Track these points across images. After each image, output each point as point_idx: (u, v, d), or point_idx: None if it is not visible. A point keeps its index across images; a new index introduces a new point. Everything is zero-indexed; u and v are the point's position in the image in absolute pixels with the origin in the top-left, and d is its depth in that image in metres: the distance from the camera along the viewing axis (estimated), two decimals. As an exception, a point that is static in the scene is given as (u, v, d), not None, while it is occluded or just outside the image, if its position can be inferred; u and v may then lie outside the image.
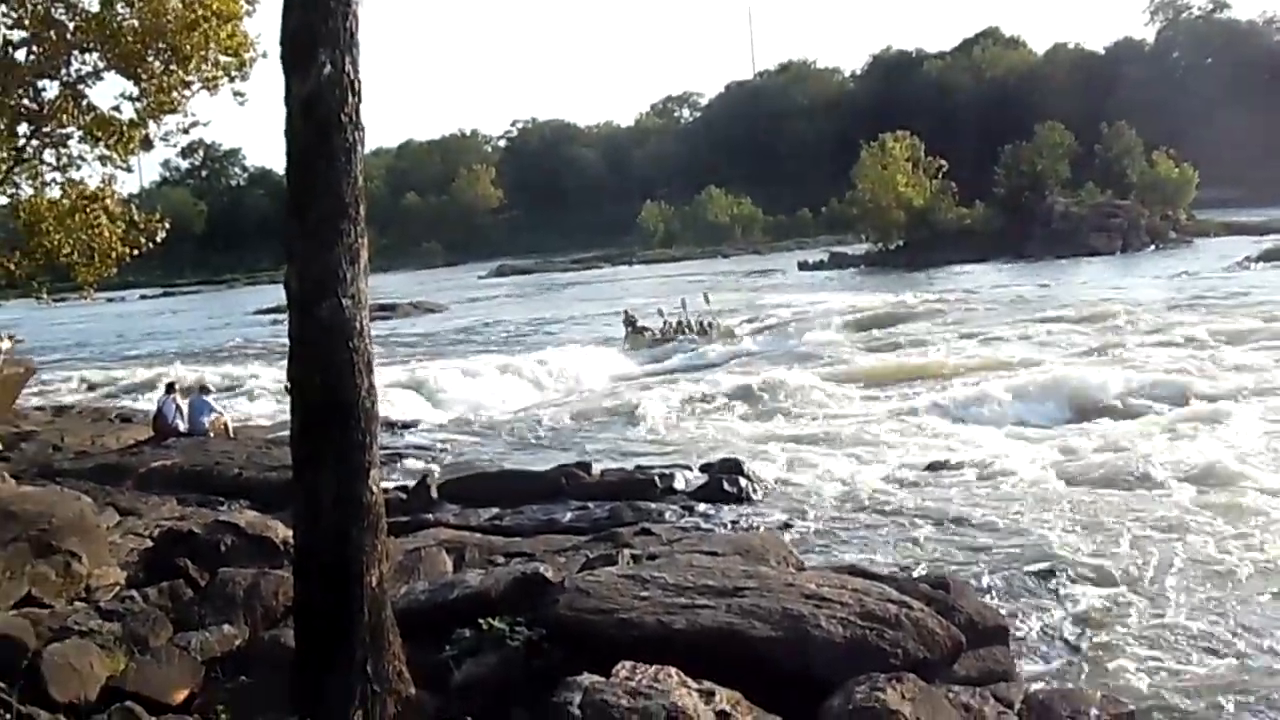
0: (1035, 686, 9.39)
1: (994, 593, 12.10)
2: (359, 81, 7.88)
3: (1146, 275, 56.93)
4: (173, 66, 21.56)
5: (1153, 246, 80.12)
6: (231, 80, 22.22)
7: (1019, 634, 10.77)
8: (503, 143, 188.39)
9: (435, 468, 20.99)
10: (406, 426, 25.97)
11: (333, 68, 7.71)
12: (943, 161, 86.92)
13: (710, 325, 42.61)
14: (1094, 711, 8.63)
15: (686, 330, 42.42)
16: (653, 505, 16.47)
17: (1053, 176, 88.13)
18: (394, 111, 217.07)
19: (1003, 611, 10.94)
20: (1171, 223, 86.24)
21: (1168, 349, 30.00)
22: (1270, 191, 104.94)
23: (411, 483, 18.35)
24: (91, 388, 40.34)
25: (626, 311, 45.92)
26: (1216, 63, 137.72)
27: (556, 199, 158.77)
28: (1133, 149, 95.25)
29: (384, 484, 8.63)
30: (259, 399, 33.02)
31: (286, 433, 8.48)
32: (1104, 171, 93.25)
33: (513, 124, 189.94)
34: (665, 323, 43.29)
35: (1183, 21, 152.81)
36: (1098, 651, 10.60)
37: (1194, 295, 44.28)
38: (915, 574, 12.17)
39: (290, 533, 9.88)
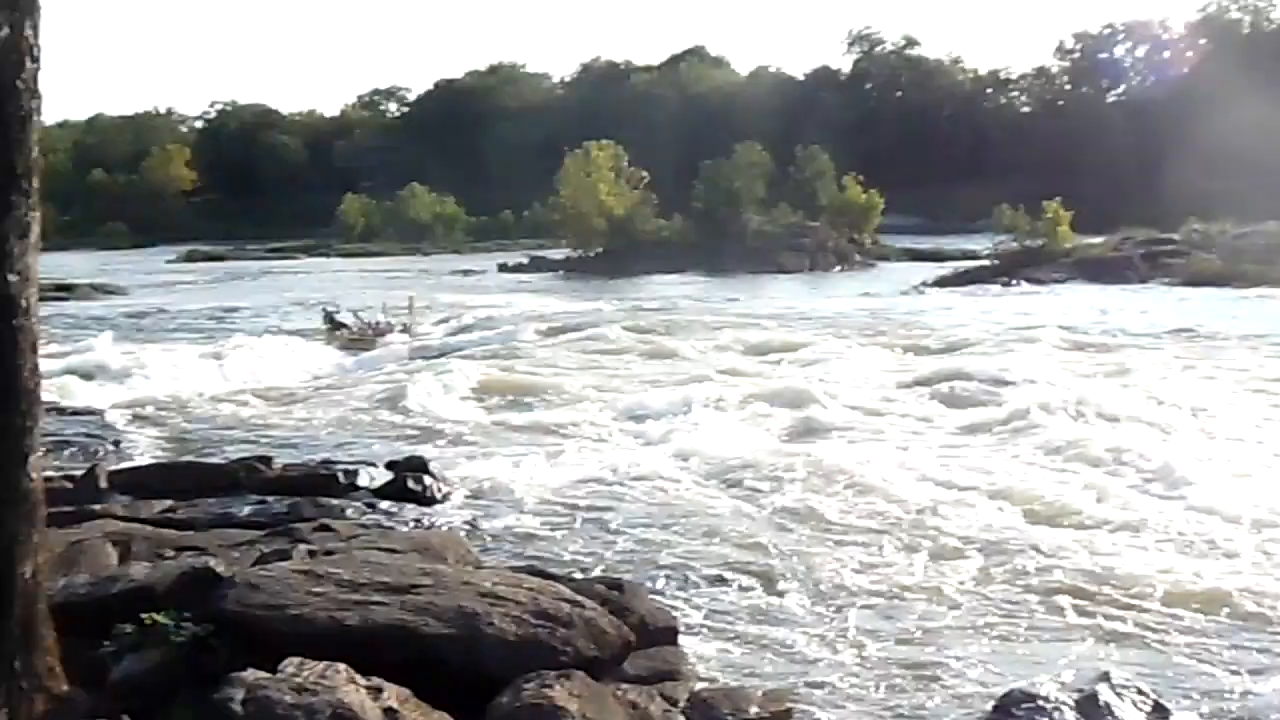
0: (700, 685, 9.70)
1: (668, 594, 12.44)
2: (39, 47, 7.52)
3: (834, 295, 59.50)
4: None
5: (839, 267, 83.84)
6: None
7: (689, 634, 11.11)
8: (200, 124, 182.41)
9: (106, 456, 20.09)
10: (77, 412, 24.73)
11: (10, 30, 7.33)
12: (645, 173, 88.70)
13: (407, 325, 42.93)
14: (754, 709, 9.02)
15: (383, 328, 42.43)
16: (335, 502, 16.12)
17: (749, 195, 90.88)
18: (83, 83, 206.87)
19: (675, 612, 11.26)
20: (857, 246, 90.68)
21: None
22: (946, 221, 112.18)
23: (79, 471, 17.49)
24: None
25: (325, 308, 45.46)
26: (906, 96, 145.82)
27: (254, 185, 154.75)
28: (824, 173, 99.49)
29: (47, 472, 8.25)
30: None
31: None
32: (797, 193, 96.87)
33: (211, 105, 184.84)
34: (362, 321, 43.20)
35: (876, 55, 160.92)
36: (764, 651, 11.03)
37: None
38: (594, 574, 12.41)
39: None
